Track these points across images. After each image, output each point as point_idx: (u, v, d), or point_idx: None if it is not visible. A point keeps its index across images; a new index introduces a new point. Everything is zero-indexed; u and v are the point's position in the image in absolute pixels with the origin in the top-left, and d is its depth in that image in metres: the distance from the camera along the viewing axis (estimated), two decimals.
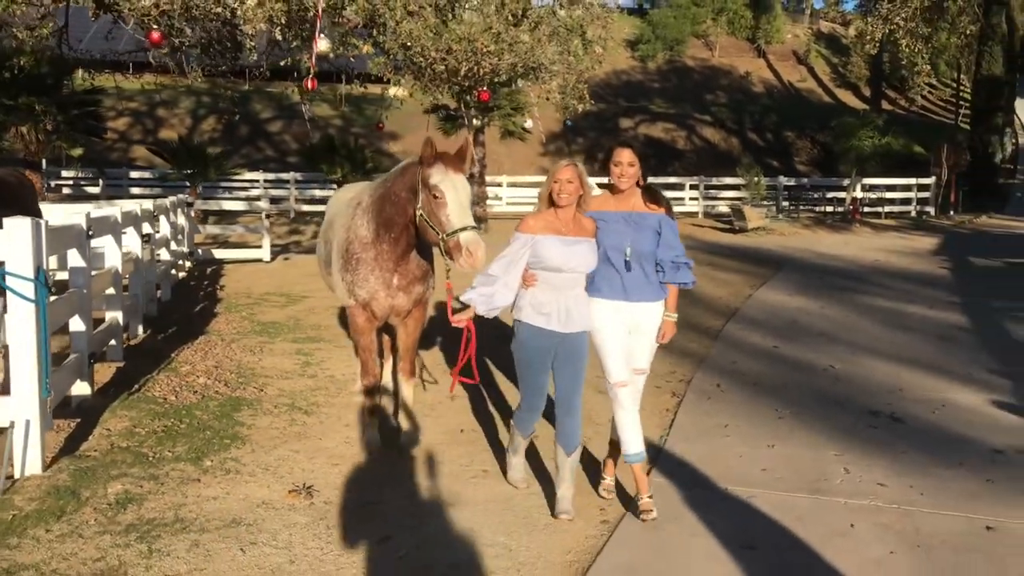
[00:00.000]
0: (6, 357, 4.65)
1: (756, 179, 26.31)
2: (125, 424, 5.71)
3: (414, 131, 33.90)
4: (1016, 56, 29.19)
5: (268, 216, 17.56)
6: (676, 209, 25.70)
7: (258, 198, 21.78)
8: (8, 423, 4.56)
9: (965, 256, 16.68)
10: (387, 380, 6.51)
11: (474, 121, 15.80)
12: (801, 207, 27.51)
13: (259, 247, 16.39)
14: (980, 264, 15.82)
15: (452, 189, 4.54)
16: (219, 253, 16.23)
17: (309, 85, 8.43)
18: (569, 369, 4.52)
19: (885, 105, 41.45)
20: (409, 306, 5.31)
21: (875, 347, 8.73)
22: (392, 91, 9.72)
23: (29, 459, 4.65)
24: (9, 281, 4.54)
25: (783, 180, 28.14)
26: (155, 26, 6.86)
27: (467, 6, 8.88)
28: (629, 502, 4.72)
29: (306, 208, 25.89)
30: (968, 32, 21.18)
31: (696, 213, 26.95)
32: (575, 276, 4.46)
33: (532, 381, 4.55)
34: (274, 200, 25.16)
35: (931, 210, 26.38)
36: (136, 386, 6.61)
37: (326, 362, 8.00)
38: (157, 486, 4.76)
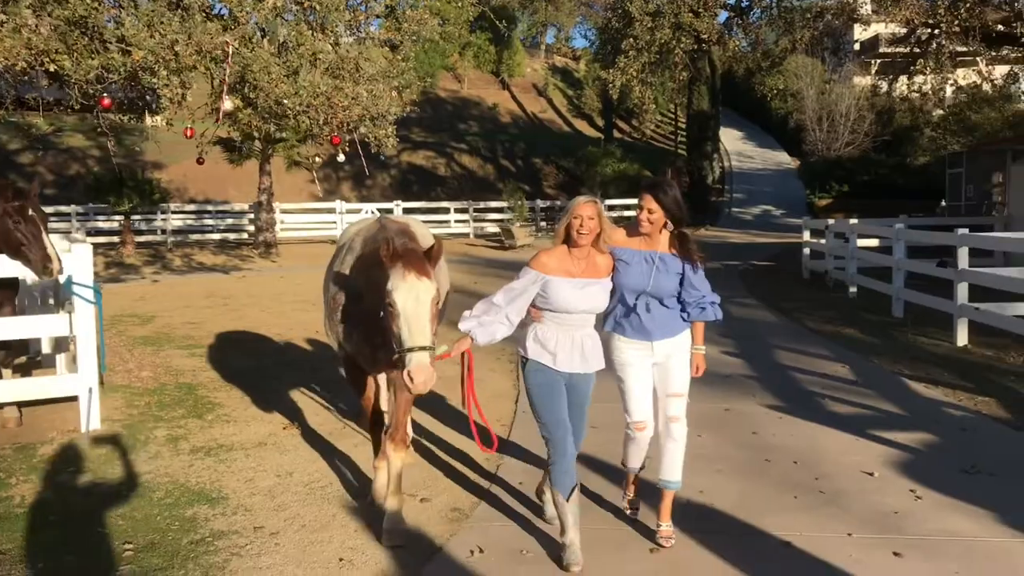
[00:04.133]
0: (75, 344, 6.34)
1: (520, 202, 29.85)
2: (120, 402, 7.43)
3: (178, 161, 34.53)
4: (718, 93, 34.91)
5: None
6: (444, 231, 28.32)
7: (69, 231, 22.11)
8: (85, 391, 6.30)
9: None
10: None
11: (314, 154, 17.66)
12: (556, 226, 31.25)
13: None
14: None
15: (408, 300, 3.99)
16: None
17: (188, 134, 10.18)
18: (574, 411, 4.45)
19: (617, 134, 46.81)
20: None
21: None
22: (150, 121, 10.97)
23: (92, 417, 6.41)
24: (75, 289, 6.29)
25: (539, 203, 31.87)
26: (105, 94, 8.42)
27: (313, 69, 10.98)
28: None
29: (91, 240, 26.04)
30: (682, 77, 25.86)
31: (467, 234, 29.94)
32: (585, 317, 4.42)
33: (553, 418, 4.35)
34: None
35: None
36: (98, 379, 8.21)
37: (225, 359, 9.81)
38: (187, 431, 6.67)
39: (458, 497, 5.38)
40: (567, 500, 4.30)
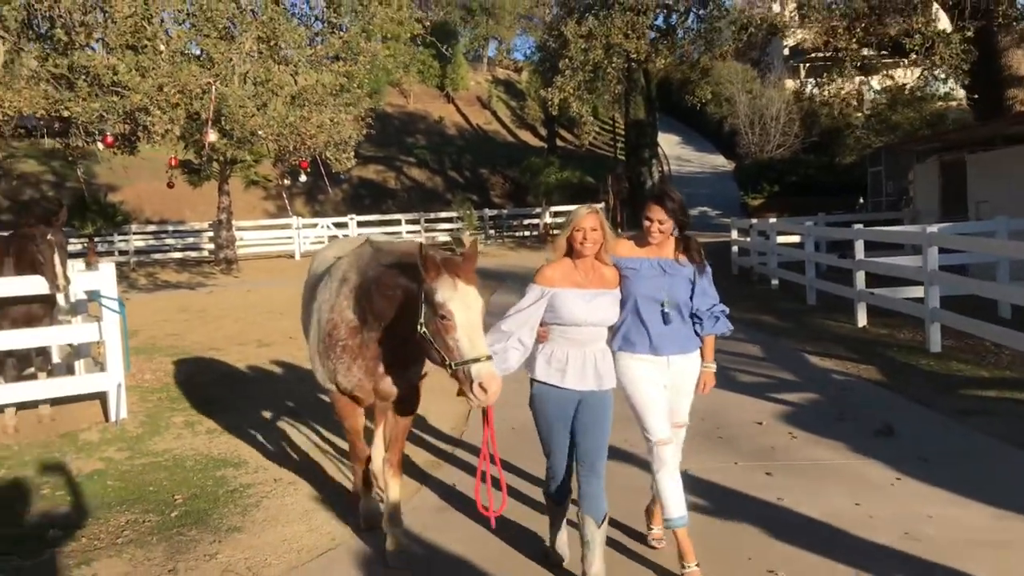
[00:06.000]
0: (102, 347, 7.55)
1: (468, 212, 31.32)
2: (135, 398, 8.62)
3: (132, 183, 35.31)
4: (654, 101, 36.64)
5: None
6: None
7: None
8: (114, 387, 7.51)
9: None
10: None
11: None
12: (504, 234, 32.76)
13: None
14: None
15: (463, 309, 3.84)
16: None
17: (173, 163, 11.42)
18: (593, 429, 4.22)
19: (559, 143, 48.36)
20: (397, 391, 4.71)
21: None
22: (101, 146, 12.10)
23: (121, 409, 7.62)
24: (104, 302, 7.51)
25: (487, 212, 33.30)
26: (108, 133, 9.60)
27: (279, 102, 12.27)
28: None
29: None
30: (616, 91, 27.52)
31: None
32: (596, 330, 4.25)
33: (555, 444, 4.26)
34: None
35: None
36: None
37: (215, 362, 10.97)
38: (200, 418, 7.92)
39: (432, 447, 6.73)
40: (559, 507, 4.45)
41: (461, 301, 3.83)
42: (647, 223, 4.30)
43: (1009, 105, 21.02)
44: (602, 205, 32.79)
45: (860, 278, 12.26)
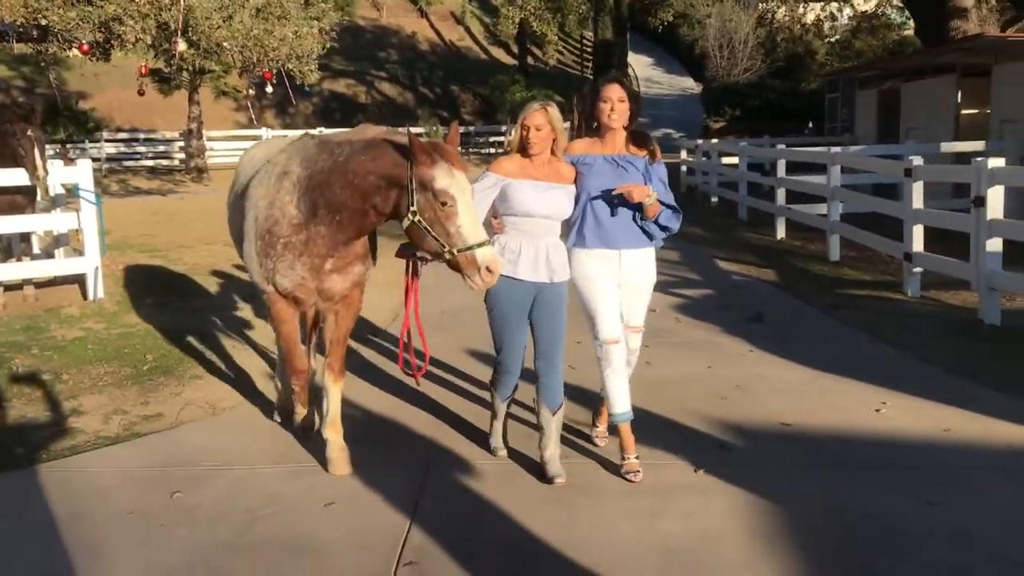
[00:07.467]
0: (80, 235, 8.53)
1: (435, 128, 32.05)
2: (110, 283, 9.60)
3: (103, 90, 35.53)
4: (624, 21, 37.07)
5: None
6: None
7: None
8: (92, 269, 8.52)
9: None
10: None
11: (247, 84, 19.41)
12: (471, 150, 33.55)
13: None
14: None
15: (462, 194, 3.82)
16: None
17: (143, 71, 12.18)
18: (548, 322, 4.33)
19: (531, 61, 48.64)
20: (343, 289, 4.51)
21: None
22: (78, 53, 12.68)
23: (98, 290, 8.64)
24: (82, 193, 8.45)
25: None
26: (84, 41, 10.35)
27: (245, 14, 12.99)
28: None
29: None
30: (582, 10, 28.00)
31: None
32: (549, 223, 4.30)
33: (507, 338, 4.33)
34: None
35: None
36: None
37: (185, 256, 11.95)
38: (170, 300, 8.96)
39: (364, 335, 7.85)
40: (502, 402, 4.64)
41: (460, 186, 3.82)
42: (605, 105, 4.30)
43: (953, 35, 21.90)
44: (567, 124, 33.49)
45: (781, 195, 13.38)
